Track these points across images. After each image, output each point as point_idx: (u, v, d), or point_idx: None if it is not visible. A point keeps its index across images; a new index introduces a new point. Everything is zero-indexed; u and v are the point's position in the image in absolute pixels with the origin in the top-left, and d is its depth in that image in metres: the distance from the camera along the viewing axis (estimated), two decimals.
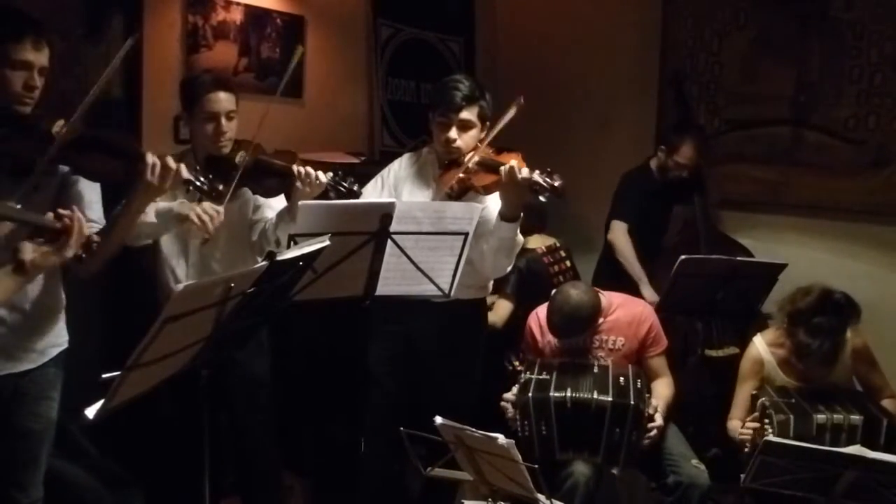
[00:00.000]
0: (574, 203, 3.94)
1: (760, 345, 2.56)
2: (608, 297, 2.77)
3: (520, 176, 2.17)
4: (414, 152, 2.67)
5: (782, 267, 2.86)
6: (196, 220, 2.10)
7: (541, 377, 2.53)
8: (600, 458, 2.45)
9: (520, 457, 1.91)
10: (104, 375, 1.43)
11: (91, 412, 1.45)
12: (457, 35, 4.40)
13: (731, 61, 3.72)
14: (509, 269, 2.51)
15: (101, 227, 1.96)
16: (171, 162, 1.93)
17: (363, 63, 3.97)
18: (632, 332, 2.69)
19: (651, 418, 2.47)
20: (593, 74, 4.14)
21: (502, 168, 2.22)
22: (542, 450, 2.44)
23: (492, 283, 2.66)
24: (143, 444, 2.59)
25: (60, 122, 1.83)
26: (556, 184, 2.14)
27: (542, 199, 2.18)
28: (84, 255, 1.69)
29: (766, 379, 2.54)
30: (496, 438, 1.90)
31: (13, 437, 1.91)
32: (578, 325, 2.61)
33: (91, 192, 1.97)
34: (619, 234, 3.47)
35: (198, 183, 1.98)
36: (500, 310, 3.20)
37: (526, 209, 2.33)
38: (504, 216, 2.29)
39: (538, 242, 3.41)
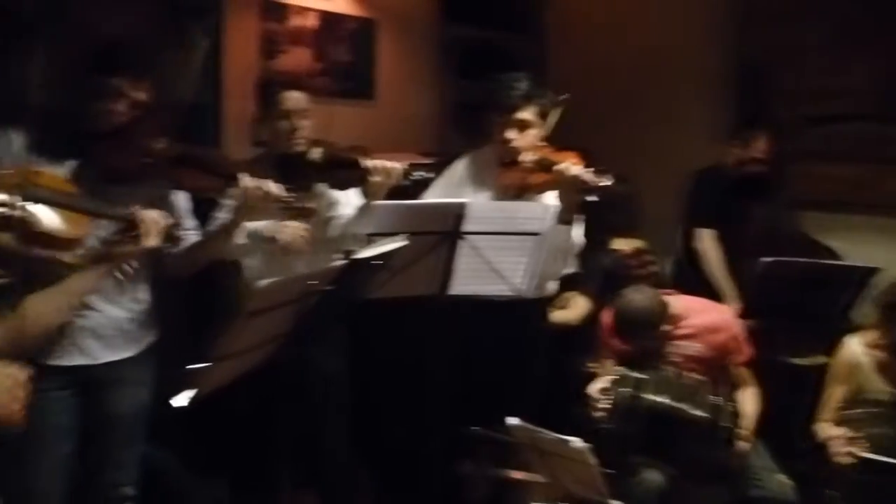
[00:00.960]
0: (648, 203, 3.87)
1: (856, 346, 2.44)
2: (686, 303, 2.67)
3: (568, 174, 2.13)
4: (476, 152, 2.65)
5: (875, 271, 2.71)
6: (290, 240, 2.22)
7: (640, 376, 2.47)
8: (679, 471, 2.38)
9: (595, 461, 1.88)
10: (190, 366, 1.48)
11: (178, 401, 1.51)
12: (526, 35, 4.38)
13: (811, 54, 3.57)
14: (563, 272, 2.45)
15: (194, 233, 2.11)
16: (264, 185, 2.01)
17: (433, 64, 4.00)
18: (709, 340, 2.60)
19: (738, 438, 2.39)
20: (664, 69, 4.01)
21: (555, 167, 2.19)
22: (619, 448, 2.37)
23: (557, 282, 2.62)
24: (227, 435, 2.66)
25: (162, 140, 1.97)
26: (604, 183, 2.08)
27: (589, 198, 2.11)
28: (170, 248, 1.81)
29: (861, 384, 2.42)
30: (570, 441, 1.88)
31: (113, 420, 2.04)
32: (636, 329, 2.55)
33: (185, 202, 2.12)
34: (708, 242, 3.29)
35: (286, 201, 2.05)
36: (577, 308, 3.13)
37: (610, 209, 2.27)
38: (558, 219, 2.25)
39: (624, 244, 3.34)
